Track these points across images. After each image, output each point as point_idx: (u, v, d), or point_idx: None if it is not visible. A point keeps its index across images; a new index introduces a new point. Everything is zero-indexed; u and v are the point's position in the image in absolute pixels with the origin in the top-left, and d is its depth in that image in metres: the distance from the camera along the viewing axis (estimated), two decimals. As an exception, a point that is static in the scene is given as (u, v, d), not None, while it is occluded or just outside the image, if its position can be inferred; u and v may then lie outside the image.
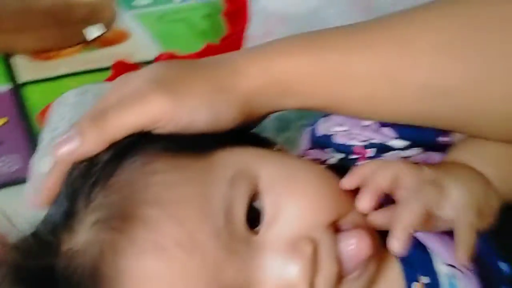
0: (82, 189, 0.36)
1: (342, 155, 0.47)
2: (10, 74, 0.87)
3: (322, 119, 0.49)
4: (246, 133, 0.44)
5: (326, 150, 0.48)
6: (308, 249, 0.35)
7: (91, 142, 0.36)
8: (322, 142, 0.49)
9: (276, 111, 0.43)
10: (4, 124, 0.79)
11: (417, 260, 0.40)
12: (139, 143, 0.37)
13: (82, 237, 0.35)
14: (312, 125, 0.50)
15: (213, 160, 0.38)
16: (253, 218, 0.36)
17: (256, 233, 0.36)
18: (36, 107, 0.81)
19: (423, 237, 0.41)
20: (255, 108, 0.41)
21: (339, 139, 0.47)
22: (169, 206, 0.35)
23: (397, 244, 0.37)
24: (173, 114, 0.37)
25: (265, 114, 0.43)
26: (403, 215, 0.37)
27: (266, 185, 0.37)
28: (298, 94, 0.41)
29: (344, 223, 0.38)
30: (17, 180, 0.69)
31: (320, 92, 0.41)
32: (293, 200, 0.37)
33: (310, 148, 0.50)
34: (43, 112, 0.76)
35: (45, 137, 0.66)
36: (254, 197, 0.37)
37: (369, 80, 0.40)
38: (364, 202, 0.38)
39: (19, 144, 0.75)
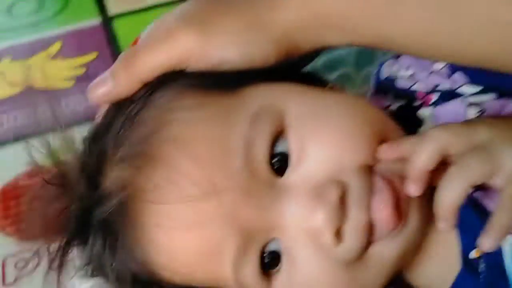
0: (113, 128, 0.36)
1: (402, 102, 0.43)
2: (100, 7, 0.89)
3: (389, 61, 0.46)
4: (292, 71, 0.41)
5: (388, 95, 0.44)
6: (334, 195, 0.33)
7: (123, 83, 0.37)
8: (385, 86, 0.45)
9: (322, 48, 0.39)
10: (94, 58, 0.82)
11: (476, 225, 0.36)
12: (169, 81, 0.37)
13: (111, 176, 0.35)
14: (378, 67, 0.46)
15: (240, 97, 0.36)
16: (279, 160, 0.34)
17: (281, 175, 0.34)
18: (126, 40, 0.83)
19: (484, 198, 0.37)
20: (295, 44, 0.38)
21: (402, 83, 0.43)
22: (188, 145, 0.34)
23: (443, 224, 0.34)
24: (202, 51, 0.36)
25: (309, 51, 0.39)
26: (446, 195, 0.33)
27: (292, 122, 0.35)
28: (343, 29, 0.37)
29: (383, 170, 0.35)
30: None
31: (367, 27, 0.36)
32: (321, 139, 0.35)
33: (375, 93, 0.47)
34: (134, 44, 0.77)
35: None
36: (279, 136, 0.35)
37: (423, 12, 0.35)
38: (412, 189, 0.34)
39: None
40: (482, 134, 0.34)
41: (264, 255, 0.35)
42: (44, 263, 0.56)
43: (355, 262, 0.34)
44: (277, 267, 0.35)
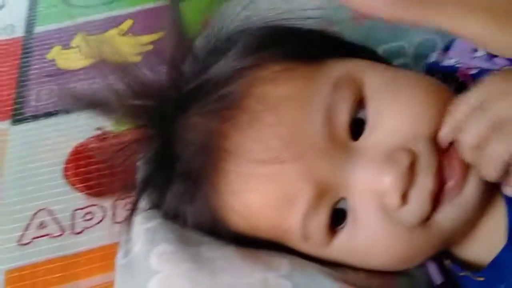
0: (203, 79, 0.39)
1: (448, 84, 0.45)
2: (170, -10, 0.93)
3: (438, 52, 0.49)
4: (366, 51, 0.44)
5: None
6: (404, 160, 0.35)
7: None
8: (432, 69, 0.47)
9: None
10: (160, 37, 0.86)
11: None
12: (260, 48, 0.40)
13: (197, 124, 0.39)
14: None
15: (323, 67, 0.39)
16: (356, 125, 0.37)
17: (356, 139, 0.37)
18: (191, 21, 0.87)
19: None
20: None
21: (446, 63, 0.46)
22: (273, 102, 0.37)
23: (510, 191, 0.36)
24: None
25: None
26: None
27: (371, 93, 0.38)
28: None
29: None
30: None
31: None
32: (395, 108, 0.37)
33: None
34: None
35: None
36: (358, 103, 0.38)
37: None
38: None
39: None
40: None
41: (334, 211, 0.38)
42: (109, 216, 0.62)
43: (415, 227, 0.37)
44: (342, 225, 0.38)
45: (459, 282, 0.43)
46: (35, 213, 0.63)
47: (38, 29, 0.89)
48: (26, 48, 0.86)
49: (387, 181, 0.35)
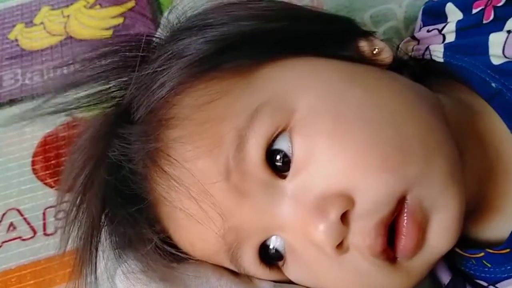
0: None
1: (459, 16, 0.40)
2: (138, -46, 0.87)
3: None
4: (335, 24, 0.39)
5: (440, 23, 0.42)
6: (334, 214, 0.30)
7: None
8: (438, 7, 0.43)
9: None
10: (132, 7, 0.80)
11: None
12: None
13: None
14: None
15: (253, 80, 0.34)
16: (281, 157, 0.32)
17: (283, 177, 0.32)
18: None
19: None
20: None
21: None
22: (186, 133, 0.33)
23: None
24: None
25: None
26: None
27: (301, 120, 0.31)
28: None
29: (414, 193, 0.31)
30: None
31: None
32: (337, 146, 0.31)
33: (423, 25, 0.45)
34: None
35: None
36: (282, 132, 0.32)
37: None
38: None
39: (147, 27, 0.77)
40: None
41: (267, 247, 0.34)
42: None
43: (379, 267, 0.32)
44: (282, 261, 0.34)
45: (468, 271, 0.39)
46: (4, 214, 0.59)
47: (-2, 6, 0.83)
48: (-15, 28, 0.79)
49: (316, 235, 0.31)
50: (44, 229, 0.57)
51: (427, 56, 0.43)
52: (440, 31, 0.42)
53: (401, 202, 0.31)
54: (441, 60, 0.41)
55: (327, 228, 0.30)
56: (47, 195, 0.60)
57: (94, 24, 0.78)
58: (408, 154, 0.31)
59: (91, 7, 0.81)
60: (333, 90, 0.33)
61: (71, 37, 0.77)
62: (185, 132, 0.32)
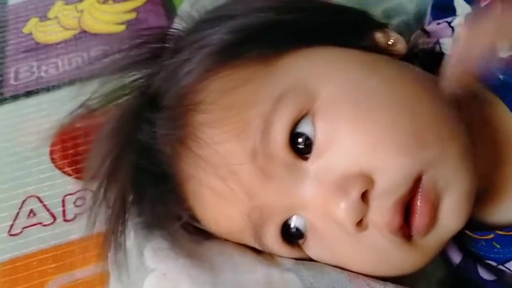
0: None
1: (468, 9, 0.42)
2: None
3: None
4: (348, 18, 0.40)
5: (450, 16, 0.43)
6: (355, 190, 0.32)
7: None
8: (445, 1, 0.44)
9: None
10: (144, 2, 0.82)
11: None
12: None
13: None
14: None
15: (275, 69, 0.35)
16: (304, 140, 0.34)
17: (306, 159, 0.34)
18: None
19: None
20: None
21: None
22: (217, 119, 0.34)
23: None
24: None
25: None
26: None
27: (323, 106, 0.33)
28: None
29: (429, 174, 0.33)
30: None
31: None
32: (357, 130, 0.33)
33: (433, 19, 0.46)
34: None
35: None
36: (304, 116, 0.33)
37: None
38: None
39: (160, 22, 0.78)
40: None
41: (288, 226, 0.35)
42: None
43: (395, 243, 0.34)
44: (303, 239, 0.36)
45: (478, 252, 0.41)
46: (24, 201, 0.60)
47: (12, 1, 0.84)
48: (1, 22, 0.81)
49: (338, 212, 0.33)
50: (64, 215, 0.59)
51: (437, 49, 0.44)
52: (449, 23, 0.44)
53: (416, 182, 0.33)
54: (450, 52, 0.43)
55: (348, 206, 0.32)
56: (66, 183, 0.61)
57: (107, 18, 0.80)
58: (424, 138, 0.33)
59: (104, 2, 0.83)
60: (352, 78, 0.35)
61: (85, 31, 0.79)
62: (212, 117, 0.34)
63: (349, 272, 0.37)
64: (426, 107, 0.34)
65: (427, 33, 0.47)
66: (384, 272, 0.36)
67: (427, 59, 0.43)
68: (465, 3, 0.44)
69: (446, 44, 0.44)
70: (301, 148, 0.34)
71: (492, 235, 0.40)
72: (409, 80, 0.36)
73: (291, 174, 0.33)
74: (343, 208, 0.32)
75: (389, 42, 0.39)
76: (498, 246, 0.40)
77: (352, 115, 0.33)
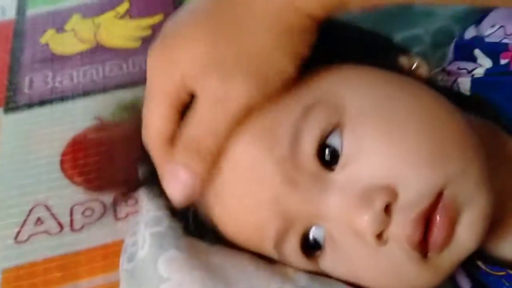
0: None
1: (489, 62, 0.42)
2: (169, -29, 0.90)
3: (473, 26, 0.45)
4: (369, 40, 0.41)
5: (470, 62, 0.44)
6: (379, 202, 0.32)
7: (206, 174, 0.35)
8: (468, 48, 0.44)
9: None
10: (161, 20, 0.83)
11: None
12: None
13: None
14: (461, 34, 0.46)
15: (303, 83, 0.36)
16: (330, 152, 0.34)
17: (332, 170, 0.34)
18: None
19: None
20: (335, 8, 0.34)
21: (491, 39, 0.43)
22: (245, 129, 0.34)
23: None
24: (259, 91, 0.34)
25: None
26: None
27: (351, 119, 0.34)
28: None
29: (450, 190, 0.33)
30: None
31: None
32: (382, 143, 0.33)
33: (454, 60, 0.47)
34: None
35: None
36: (334, 128, 0.34)
37: None
38: None
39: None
40: None
41: (307, 237, 0.36)
42: (110, 212, 0.59)
43: (411, 262, 0.34)
44: (320, 251, 0.36)
45: (490, 285, 0.41)
46: (32, 209, 0.60)
47: (30, 11, 0.85)
48: (18, 32, 0.82)
49: (360, 223, 0.33)
50: (71, 225, 0.59)
51: (455, 88, 0.45)
52: (469, 71, 0.44)
53: (438, 197, 0.33)
54: (468, 93, 0.44)
55: (371, 217, 0.33)
56: (75, 193, 0.61)
57: (123, 34, 0.81)
58: (448, 153, 0.34)
59: (121, 17, 0.84)
60: (380, 93, 0.36)
61: (100, 45, 0.80)
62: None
63: None
64: (450, 124, 0.35)
65: (446, 72, 0.47)
66: (396, 287, 0.36)
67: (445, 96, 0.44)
68: (484, 56, 0.45)
69: (465, 84, 0.44)
70: (328, 160, 0.34)
71: (504, 273, 0.40)
72: (433, 99, 0.37)
73: (316, 184, 0.34)
74: (366, 219, 0.33)
75: (412, 67, 0.40)
76: (507, 284, 0.40)
77: (380, 129, 0.34)
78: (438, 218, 0.33)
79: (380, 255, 0.34)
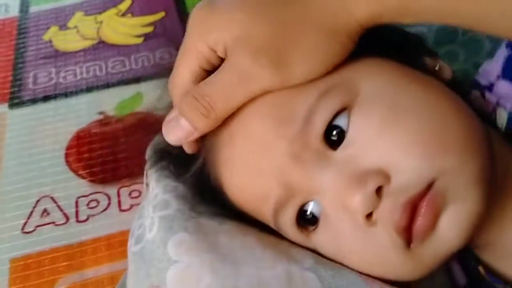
0: None
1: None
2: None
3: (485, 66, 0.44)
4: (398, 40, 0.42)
5: None
6: (371, 186, 0.33)
7: (205, 130, 0.37)
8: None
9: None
10: (162, 17, 0.84)
11: None
12: None
13: None
14: None
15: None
16: (337, 133, 0.35)
17: (335, 149, 0.36)
18: (192, 1, 0.85)
19: None
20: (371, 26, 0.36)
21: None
22: (260, 103, 0.36)
23: None
24: (283, 83, 0.35)
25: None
26: None
27: (361, 103, 0.35)
28: (418, 13, 0.34)
29: (442, 182, 0.34)
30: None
31: (448, 8, 0.34)
32: (387, 130, 0.34)
33: (501, 77, 0.44)
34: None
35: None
36: (345, 109, 0.35)
37: None
38: None
39: (177, 37, 0.81)
40: None
41: (305, 211, 0.37)
42: (114, 204, 0.61)
43: (395, 248, 0.35)
44: (315, 226, 0.37)
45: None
46: (38, 200, 0.62)
47: (34, 8, 0.87)
48: (22, 29, 0.83)
49: (352, 201, 0.34)
50: (77, 216, 0.60)
51: (492, 116, 0.43)
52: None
53: (429, 187, 0.34)
54: (503, 128, 0.42)
55: (362, 197, 0.34)
56: (80, 185, 0.63)
57: (125, 31, 0.82)
58: (447, 148, 0.34)
59: (123, 15, 0.85)
60: (394, 82, 0.37)
61: (103, 42, 0.81)
62: None
63: (365, 276, 0.38)
64: (457, 121, 0.36)
65: (483, 95, 0.44)
66: (379, 272, 0.37)
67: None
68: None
69: (502, 118, 0.42)
70: (334, 139, 0.35)
71: (502, 287, 0.41)
72: (445, 96, 0.37)
73: (318, 161, 0.35)
74: (357, 199, 0.34)
75: (436, 67, 0.41)
76: None
77: (385, 115, 0.35)
78: (424, 205, 0.34)
79: (368, 238, 0.35)
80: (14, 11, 0.86)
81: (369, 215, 0.34)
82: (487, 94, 0.44)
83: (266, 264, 0.38)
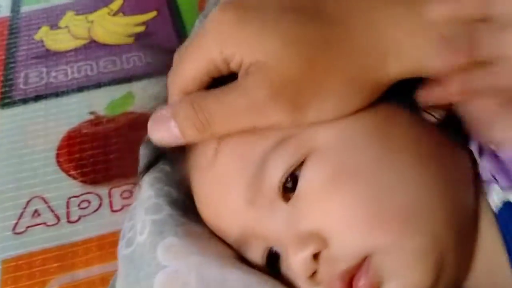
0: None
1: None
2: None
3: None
4: None
5: None
6: (308, 252, 0.33)
7: (193, 141, 0.35)
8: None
9: None
10: (154, 17, 0.84)
11: None
12: None
13: None
14: None
15: None
16: (292, 182, 0.34)
17: (289, 197, 0.34)
18: (184, 0, 0.85)
19: None
20: None
21: None
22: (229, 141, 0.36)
23: None
24: (294, 123, 0.33)
25: None
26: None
27: (314, 158, 0.34)
28: None
29: (377, 258, 0.33)
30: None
31: None
32: (328, 192, 0.33)
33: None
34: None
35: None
36: (302, 163, 0.34)
37: None
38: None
39: (168, 37, 0.81)
40: None
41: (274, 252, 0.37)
42: (106, 204, 0.61)
43: None
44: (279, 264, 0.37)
45: None
46: (29, 201, 0.62)
47: (25, 8, 0.86)
48: (13, 29, 0.83)
49: (292, 261, 0.34)
50: (68, 217, 0.60)
51: (484, 192, 0.38)
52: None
53: (365, 261, 0.33)
54: (495, 210, 0.37)
55: (300, 261, 0.33)
56: (71, 186, 0.63)
57: (117, 30, 0.82)
58: (385, 224, 0.33)
59: (115, 14, 0.85)
60: (353, 142, 0.34)
61: (94, 41, 0.81)
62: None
63: None
64: (408, 198, 0.33)
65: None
66: None
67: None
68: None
69: (496, 199, 0.37)
70: (289, 187, 0.35)
71: None
72: (419, 155, 0.35)
73: (270, 210, 0.35)
74: (297, 261, 0.34)
75: (428, 106, 0.37)
76: None
77: (331, 175, 0.33)
78: (361, 281, 0.33)
79: None
80: (6, 11, 0.86)
81: (313, 274, 0.34)
82: None
83: (253, 269, 0.38)
